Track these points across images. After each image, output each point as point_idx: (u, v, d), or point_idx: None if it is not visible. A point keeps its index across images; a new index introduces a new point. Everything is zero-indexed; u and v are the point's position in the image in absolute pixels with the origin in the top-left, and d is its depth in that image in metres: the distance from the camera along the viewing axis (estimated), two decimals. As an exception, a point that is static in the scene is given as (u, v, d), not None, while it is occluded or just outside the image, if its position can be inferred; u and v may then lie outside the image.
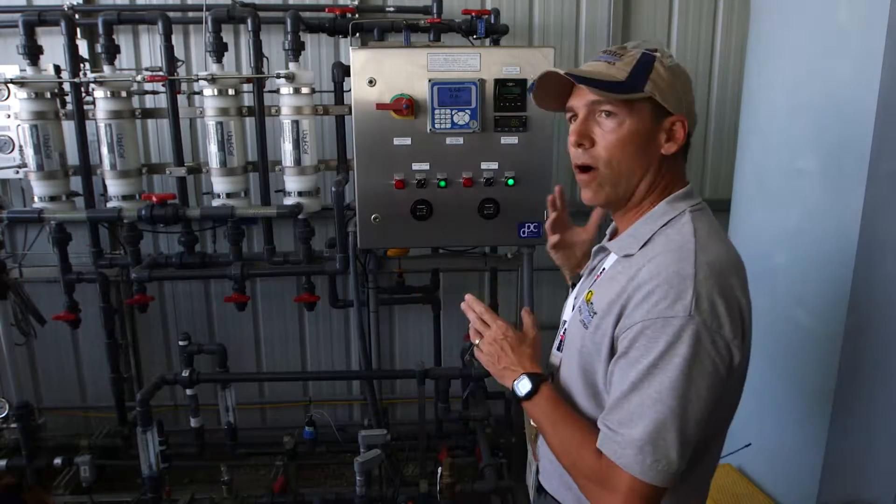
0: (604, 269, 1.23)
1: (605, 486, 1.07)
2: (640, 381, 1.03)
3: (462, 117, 2.49)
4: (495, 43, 2.97)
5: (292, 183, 2.79)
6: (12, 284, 2.93)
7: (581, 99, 1.15)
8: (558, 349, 1.30)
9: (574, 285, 1.37)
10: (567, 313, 1.32)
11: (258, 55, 2.70)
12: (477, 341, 1.31)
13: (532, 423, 1.33)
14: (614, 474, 1.05)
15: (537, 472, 1.39)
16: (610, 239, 1.28)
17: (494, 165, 2.55)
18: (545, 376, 1.22)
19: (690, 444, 1.04)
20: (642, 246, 1.13)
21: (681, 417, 1.02)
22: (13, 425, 3.00)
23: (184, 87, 2.94)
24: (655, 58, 1.13)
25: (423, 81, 2.47)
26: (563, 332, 1.29)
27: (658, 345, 1.02)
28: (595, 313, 1.14)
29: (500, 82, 2.48)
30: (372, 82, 2.47)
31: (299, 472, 3.09)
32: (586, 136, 1.14)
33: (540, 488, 1.38)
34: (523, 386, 1.20)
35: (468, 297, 1.35)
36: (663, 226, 1.14)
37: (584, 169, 1.17)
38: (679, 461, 1.03)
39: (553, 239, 1.49)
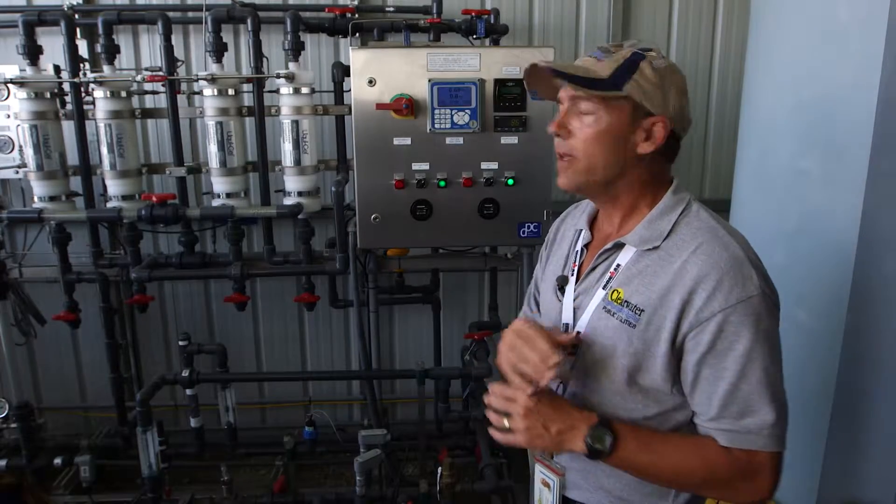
0: (618, 265, 1.20)
1: (750, 477, 1.11)
2: (743, 367, 1.08)
3: (462, 117, 2.49)
4: (495, 43, 2.97)
5: (292, 183, 2.79)
6: (12, 284, 2.93)
7: (566, 91, 1.19)
8: (570, 354, 1.22)
9: (562, 287, 1.30)
10: (567, 317, 1.26)
11: (258, 55, 2.70)
12: (506, 423, 1.15)
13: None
14: (755, 460, 1.10)
15: (561, 487, 1.29)
16: (591, 228, 1.31)
17: (494, 165, 2.55)
18: (605, 418, 1.14)
19: None
20: (666, 237, 1.16)
21: (782, 380, 1.11)
22: (13, 425, 3.00)
23: (184, 87, 2.93)
24: (644, 58, 1.14)
25: (422, 81, 2.47)
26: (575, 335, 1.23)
27: (747, 327, 1.07)
28: (642, 310, 1.13)
29: (499, 82, 2.48)
30: (372, 82, 2.47)
31: (299, 472, 3.09)
32: (564, 126, 1.18)
33: (566, 502, 1.31)
34: (602, 439, 1.10)
35: (491, 391, 1.20)
36: (679, 215, 1.18)
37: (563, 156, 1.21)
38: None
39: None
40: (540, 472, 1.33)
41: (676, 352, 1.12)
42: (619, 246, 1.21)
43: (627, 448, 1.11)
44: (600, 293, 1.20)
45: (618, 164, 1.17)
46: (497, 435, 1.17)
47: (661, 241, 1.16)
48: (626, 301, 1.16)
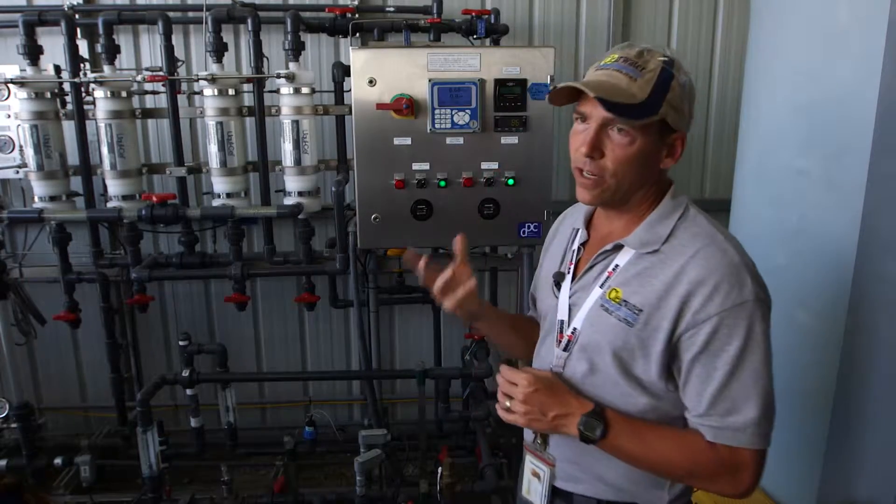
0: (617, 265, 1.22)
1: (733, 472, 1.15)
2: (734, 368, 1.12)
3: (462, 117, 2.49)
4: (495, 43, 2.97)
5: (292, 183, 2.79)
6: (12, 284, 2.93)
7: (596, 110, 1.14)
8: (564, 349, 1.27)
9: (558, 284, 1.33)
10: (563, 313, 1.29)
11: (258, 55, 2.70)
12: (507, 403, 1.23)
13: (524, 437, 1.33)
14: (739, 456, 1.14)
15: (552, 477, 1.32)
16: (587, 227, 1.34)
17: (494, 165, 2.55)
18: (600, 406, 1.19)
19: None
20: (665, 241, 1.19)
21: (771, 381, 1.14)
22: (13, 425, 3.00)
23: (184, 87, 2.93)
24: (673, 74, 1.15)
25: (423, 81, 2.47)
26: (571, 333, 1.26)
27: (740, 330, 1.11)
28: (640, 310, 1.17)
29: (500, 82, 2.48)
30: (372, 82, 2.47)
31: (299, 472, 3.09)
32: (597, 148, 1.16)
33: (557, 493, 1.33)
34: (593, 427, 1.16)
35: (503, 369, 1.27)
36: (678, 219, 1.21)
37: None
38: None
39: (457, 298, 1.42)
40: (530, 463, 1.37)
41: (671, 350, 1.16)
42: (618, 247, 1.24)
43: (618, 437, 1.17)
44: (597, 291, 1.24)
45: (642, 181, 1.20)
46: (501, 413, 1.24)
47: (661, 245, 1.19)
48: (624, 300, 1.19)
